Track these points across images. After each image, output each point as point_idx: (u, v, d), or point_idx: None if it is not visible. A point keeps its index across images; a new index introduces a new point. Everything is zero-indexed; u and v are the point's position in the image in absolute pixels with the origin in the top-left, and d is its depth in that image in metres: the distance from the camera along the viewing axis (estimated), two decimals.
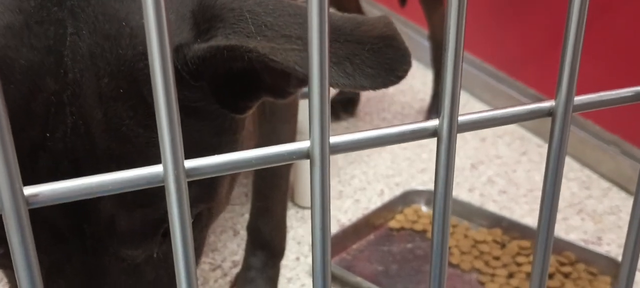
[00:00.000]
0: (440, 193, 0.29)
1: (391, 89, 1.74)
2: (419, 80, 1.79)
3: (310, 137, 0.26)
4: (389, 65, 0.41)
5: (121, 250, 0.47)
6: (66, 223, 0.45)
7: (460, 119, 0.28)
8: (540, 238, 0.32)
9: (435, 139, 0.28)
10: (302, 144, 0.26)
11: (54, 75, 0.44)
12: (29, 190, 0.23)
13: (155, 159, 0.45)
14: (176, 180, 0.24)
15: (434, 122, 0.28)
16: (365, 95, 1.68)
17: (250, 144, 0.60)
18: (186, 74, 0.45)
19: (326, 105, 0.25)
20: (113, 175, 0.24)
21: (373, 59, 0.41)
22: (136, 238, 0.47)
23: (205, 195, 0.50)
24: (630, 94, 0.31)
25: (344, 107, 1.59)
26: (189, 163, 0.25)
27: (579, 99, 0.30)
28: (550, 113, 0.30)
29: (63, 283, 0.47)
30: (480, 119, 0.29)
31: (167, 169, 0.24)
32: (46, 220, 0.45)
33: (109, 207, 0.45)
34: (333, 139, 0.27)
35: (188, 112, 0.46)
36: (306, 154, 0.26)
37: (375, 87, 0.41)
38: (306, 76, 0.43)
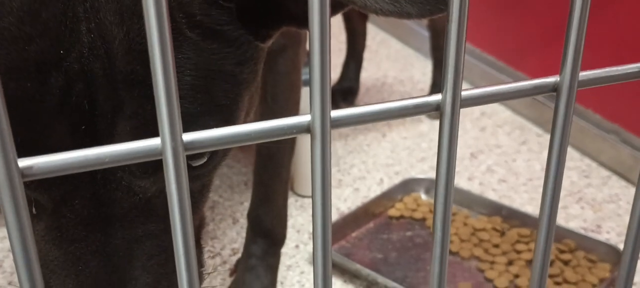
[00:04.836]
0: (443, 171, 0.29)
1: (390, 79, 1.74)
2: (418, 70, 1.78)
3: (311, 110, 0.25)
4: None
5: (132, 180, 0.45)
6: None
7: (464, 93, 0.28)
8: (543, 221, 0.32)
9: (436, 129, 0.28)
10: (302, 118, 0.26)
11: None
12: (23, 163, 0.22)
13: (182, 88, 0.43)
14: (174, 154, 0.24)
15: (437, 97, 0.27)
16: (365, 85, 1.67)
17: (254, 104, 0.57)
18: None
19: (327, 78, 0.25)
20: (109, 148, 0.23)
21: None
22: (148, 166, 0.44)
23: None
24: (635, 69, 0.31)
25: (343, 96, 1.58)
26: (187, 137, 0.24)
27: (584, 74, 0.29)
28: (554, 88, 0.29)
29: (72, 217, 0.45)
30: (484, 93, 0.28)
31: (165, 142, 0.24)
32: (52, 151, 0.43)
33: (123, 130, 0.42)
34: (334, 113, 0.26)
35: (213, 35, 0.44)
36: (307, 128, 0.26)
37: (422, 15, 0.39)
38: (355, 3, 0.38)
